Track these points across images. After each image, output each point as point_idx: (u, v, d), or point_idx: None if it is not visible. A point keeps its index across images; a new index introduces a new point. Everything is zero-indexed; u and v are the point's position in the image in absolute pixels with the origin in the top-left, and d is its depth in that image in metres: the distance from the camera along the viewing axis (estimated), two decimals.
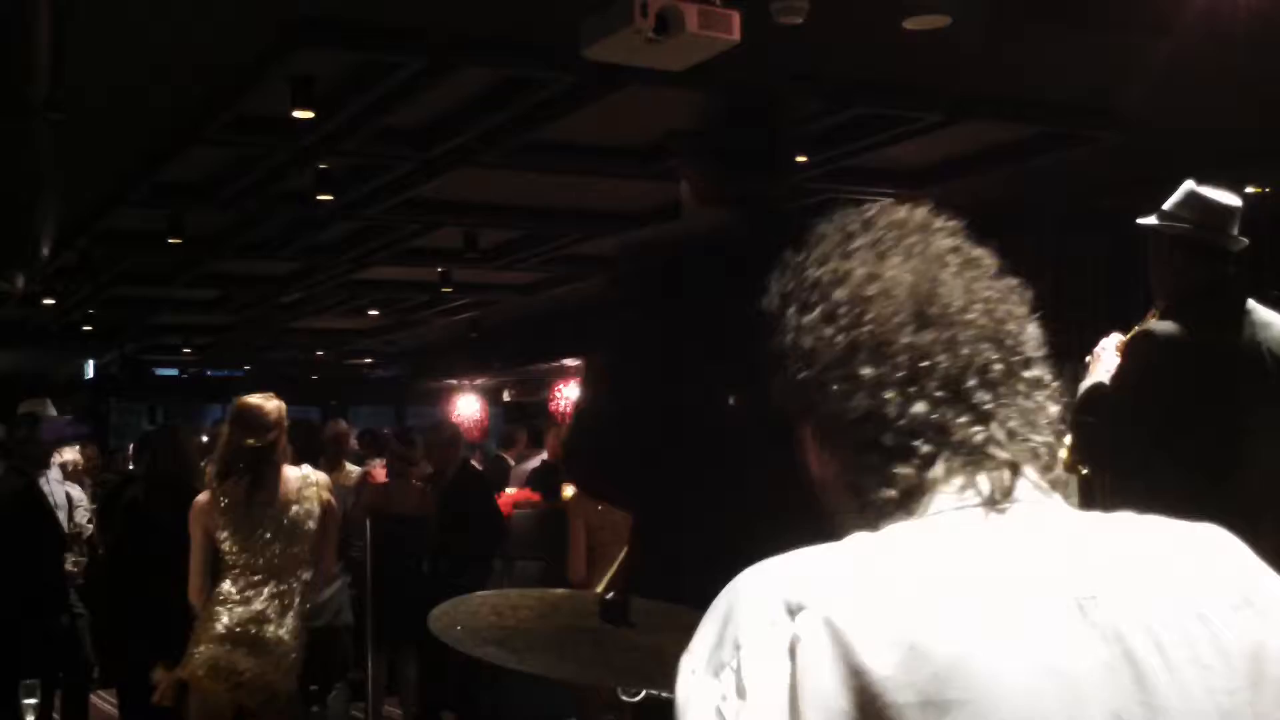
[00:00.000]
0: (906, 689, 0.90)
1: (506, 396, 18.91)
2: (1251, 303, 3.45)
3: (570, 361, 15.48)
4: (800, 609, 0.94)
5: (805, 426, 1.14)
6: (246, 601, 4.70)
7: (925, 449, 1.05)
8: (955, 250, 1.12)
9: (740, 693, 0.93)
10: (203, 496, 4.85)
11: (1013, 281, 1.13)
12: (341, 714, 6.98)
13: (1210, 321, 3.40)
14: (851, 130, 7.32)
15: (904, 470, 1.05)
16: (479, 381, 19.06)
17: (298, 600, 4.82)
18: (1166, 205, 3.54)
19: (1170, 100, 6.43)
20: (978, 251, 1.13)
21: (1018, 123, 7.27)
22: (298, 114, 6.28)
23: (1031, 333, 1.11)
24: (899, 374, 1.06)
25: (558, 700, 6.14)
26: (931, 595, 0.94)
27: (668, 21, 4.25)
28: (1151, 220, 3.55)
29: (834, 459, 1.11)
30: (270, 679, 4.70)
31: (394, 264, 11.57)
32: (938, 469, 1.05)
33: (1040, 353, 1.11)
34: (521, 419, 15.34)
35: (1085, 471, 3.67)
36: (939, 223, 1.14)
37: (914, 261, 1.10)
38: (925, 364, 1.06)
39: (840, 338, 1.09)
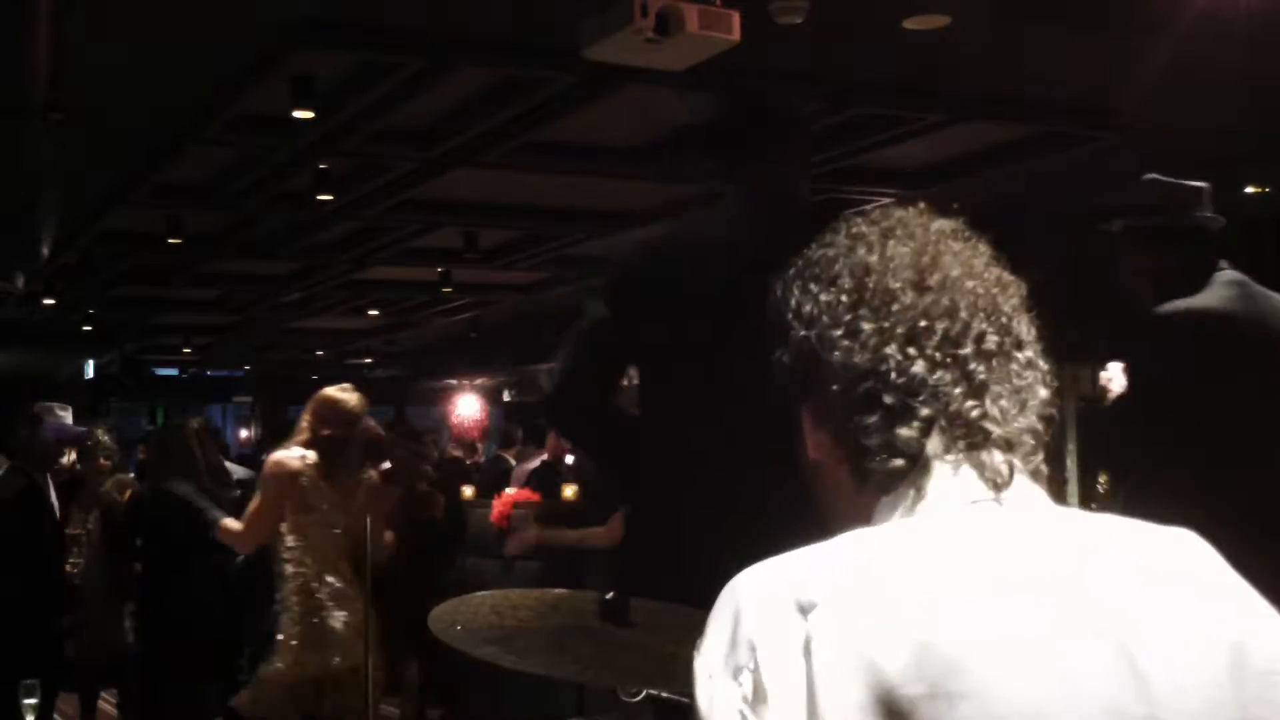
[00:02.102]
0: (918, 681, 0.92)
1: (506, 396, 18.90)
2: (1241, 277, 3.27)
3: None
4: (812, 606, 0.95)
5: (803, 405, 1.15)
6: None
7: (924, 412, 1.07)
8: (955, 233, 1.16)
9: (760, 694, 0.94)
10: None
11: (1009, 275, 1.16)
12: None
13: (1213, 301, 3.21)
14: (851, 130, 7.32)
15: (906, 433, 1.07)
16: (479, 381, 19.06)
17: None
18: (1129, 202, 3.42)
19: (1170, 100, 6.43)
20: (977, 239, 1.17)
21: (1018, 123, 7.27)
22: (298, 114, 6.28)
23: (1025, 319, 1.13)
24: (900, 330, 1.09)
25: (558, 700, 6.13)
26: (936, 592, 0.96)
27: (668, 21, 4.25)
28: (1120, 222, 3.42)
29: (831, 434, 1.12)
30: None
31: (394, 264, 11.57)
32: (935, 442, 1.06)
33: (1033, 338, 1.13)
34: (523, 419, 15.30)
35: (1103, 479, 3.51)
36: (940, 216, 1.18)
37: (915, 241, 1.14)
38: (925, 324, 1.09)
39: (844, 297, 1.12)
